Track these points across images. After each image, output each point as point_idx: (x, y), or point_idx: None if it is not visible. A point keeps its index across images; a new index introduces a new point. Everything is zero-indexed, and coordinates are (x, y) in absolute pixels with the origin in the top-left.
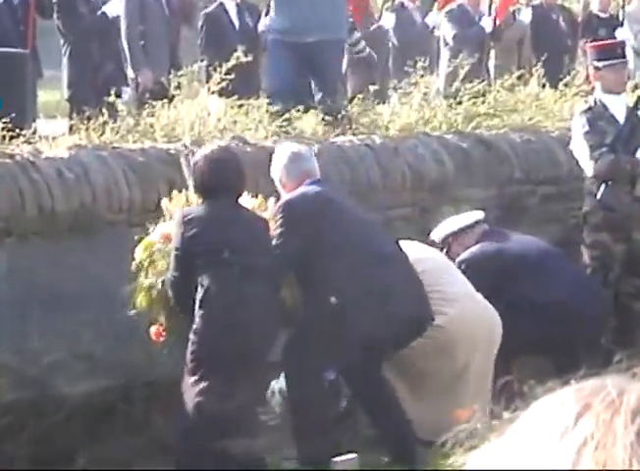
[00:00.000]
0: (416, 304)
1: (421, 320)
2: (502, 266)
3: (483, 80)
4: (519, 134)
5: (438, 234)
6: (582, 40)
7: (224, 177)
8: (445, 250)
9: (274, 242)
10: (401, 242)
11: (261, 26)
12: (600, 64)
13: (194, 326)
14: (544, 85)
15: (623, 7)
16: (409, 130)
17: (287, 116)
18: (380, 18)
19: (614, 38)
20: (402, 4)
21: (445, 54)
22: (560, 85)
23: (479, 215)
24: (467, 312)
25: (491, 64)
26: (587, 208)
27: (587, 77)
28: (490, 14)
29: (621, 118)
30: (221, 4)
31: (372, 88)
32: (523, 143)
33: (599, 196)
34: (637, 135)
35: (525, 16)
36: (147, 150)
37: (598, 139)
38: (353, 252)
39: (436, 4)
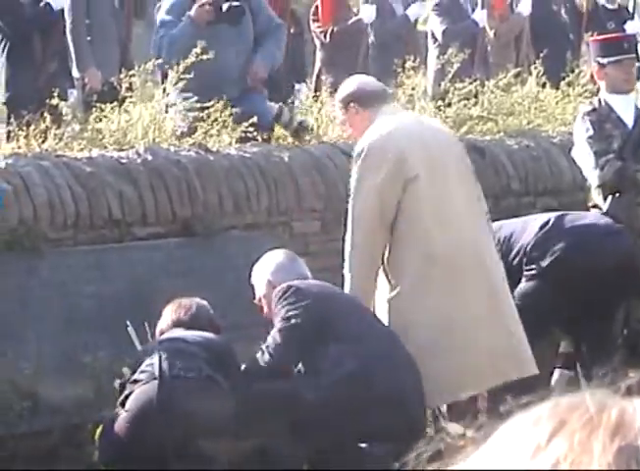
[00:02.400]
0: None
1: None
2: None
3: (475, 80)
4: (516, 140)
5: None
6: (587, 34)
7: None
8: None
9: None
10: None
11: None
12: (604, 60)
13: None
14: (544, 85)
15: None
16: None
17: (252, 120)
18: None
19: (624, 32)
20: None
21: (433, 51)
22: (563, 85)
23: None
24: None
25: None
26: None
27: (592, 75)
28: (483, 6)
29: (630, 121)
30: None
31: None
32: (521, 150)
33: (605, 209)
34: None
35: (524, 7)
36: (95, 159)
37: (604, 145)
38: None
39: None
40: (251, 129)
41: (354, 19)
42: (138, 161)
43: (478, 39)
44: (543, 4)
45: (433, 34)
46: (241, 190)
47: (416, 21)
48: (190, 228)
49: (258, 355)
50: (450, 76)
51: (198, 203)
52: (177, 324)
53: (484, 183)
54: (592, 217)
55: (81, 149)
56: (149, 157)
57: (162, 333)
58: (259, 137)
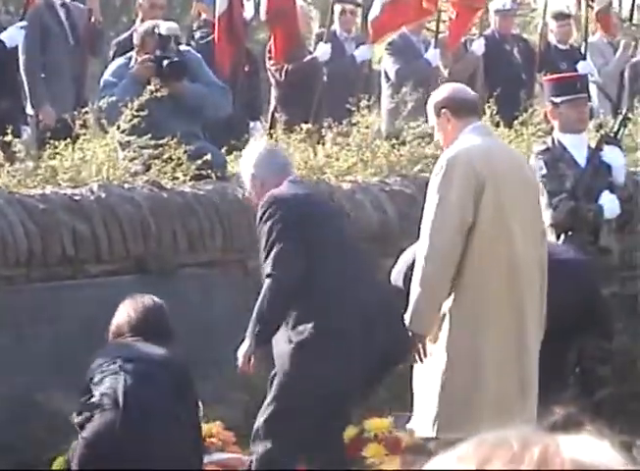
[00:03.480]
0: (389, 339)
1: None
2: None
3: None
4: None
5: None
6: (540, 74)
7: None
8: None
9: (266, 244)
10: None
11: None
12: (558, 99)
13: None
14: (498, 124)
15: (586, 38)
16: (347, 173)
17: (207, 158)
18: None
19: (576, 72)
20: (335, 33)
21: (386, 90)
22: (516, 124)
23: None
24: None
25: None
26: None
27: (546, 114)
28: (436, 45)
29: (582, 160)
30: (136, 31)
31: (305, 127)
32: None
33: None
34: (600, 180)
35: (477, 47)
36: (49, 196)
37: (556, 184)
38: (331, 271)
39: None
40: (205, 166)
41: (309, 57)
42: (92, 198)
43: (431, 79)
44: (496, 44)
45: (386, 74)
46: (196, 228)
47: (371, 60)
48: (144, 265)
49: (268, 283)
50: (404, 115)
51: (152, 241)
52: (134, 326)
53: None
54: (564, 253)
55: (35, 186)
56: (103, 195)
57: (118, 330)
58: (213, 175)
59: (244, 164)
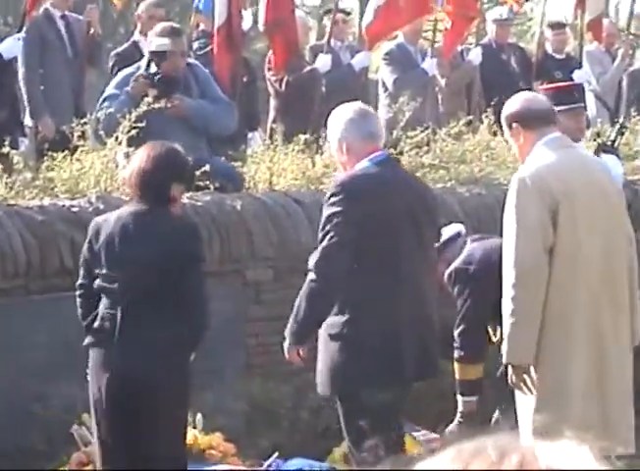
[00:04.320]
0: (417, 360)
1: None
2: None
3: (427, 128)
4: (468, 188)
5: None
6: (536, 83)
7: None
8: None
9: (322, 230)
10: None
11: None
12: (556, 109)
13: None
14: (495, 133)
15: (582, 47)
16: None
17: (205, 169)
18: (315, 58)
19: (572, 81)
20: (329, 43)
21: (384, 100)
22: None
23: (460, 228)
24: None
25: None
26: None
27: None
28: (433, 55)
29: None
30: (134, 43)
31: (304, 138)
32: (473, 198)
33: None
34: None
35: (474, 56)
36: (47, 208)
37: None
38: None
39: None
40: (203, 177)
41: (309, 68)
42: (90, 210)
43: (429, 88)
44: (493, 53)
45: (384, 83)
46: None
47: (367, 69)
48: None
49: (309, 278)
50: (401, 124)
51: None
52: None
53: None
54: None
55: (33, 198)
56: (101, 206)
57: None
58: (211, 186)
59: (332, 126)
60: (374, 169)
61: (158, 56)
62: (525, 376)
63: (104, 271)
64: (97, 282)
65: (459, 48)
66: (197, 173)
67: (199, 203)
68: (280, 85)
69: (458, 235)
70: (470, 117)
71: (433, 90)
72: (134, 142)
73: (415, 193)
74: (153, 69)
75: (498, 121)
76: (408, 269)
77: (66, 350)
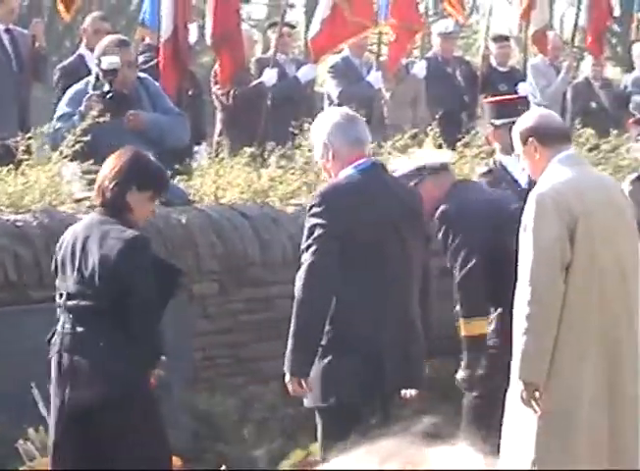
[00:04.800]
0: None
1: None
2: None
3: (372, 141)
4: None
5: (409, 163)
6: (481, 96)
7: None
8: (413, 183)
9: (305, 242)
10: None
11: None
12: (498, 122)
13: None
14: (440, 146)
15: (526, 60)
16: (291, 197)
17: None
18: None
19: (516, 93)
20: (274, 56)
21: None
22: (459, 145)
23: (451, 156)
24: None
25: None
26: None
27: (487, 136)
28: (378, 68)
29: (524, 181)
30: (80, 56)
31: (249, 151)
32: None
33: None
34: None
35: (419, 69)
36: None
37: None
38: (360, 277)
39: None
40: None
41: (255, 81)
42: (35, 224)
43: (374, 101)
44: (438, 66)
45: (329, 96)
46: None
47: (313, 82)
48: None
49: (296, 302)
50: None
51: None
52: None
53: None
54: None
55: None
56: (46, 220)
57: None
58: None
59: (318, 130)
60: (358, 177)
61: (109, 73)
62: (536, 393)
63: (57, 284)
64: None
65: (404, 61)
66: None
67: None
68: (226, 99)
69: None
70: (415, 130)
71: (378, 103)
72: (81, 157)
73: (400, 200)
74: (105, 87)
75: (443, 133)
76: (392, 278)
77: (11, 365)
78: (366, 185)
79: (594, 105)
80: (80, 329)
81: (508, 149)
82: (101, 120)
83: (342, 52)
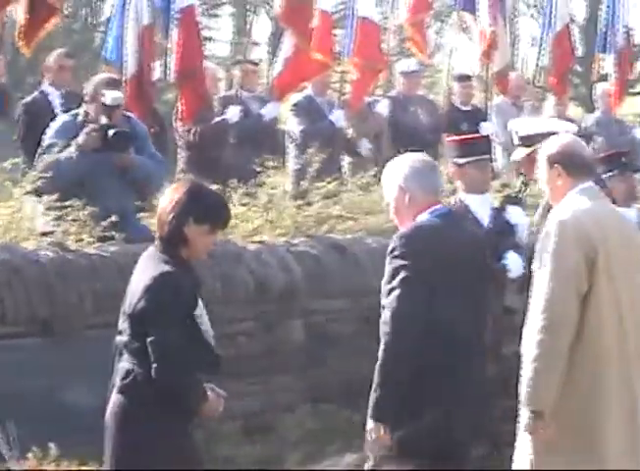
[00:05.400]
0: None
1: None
2: None
3: (335, 179)
4: (376, 239)
5: (533, 127)
6: (444, 135)
7: None
8: (529, 150)
9: (388, 285)
10: None
11: None
12: (461, 160)
13: None
14: None
15: (489, 99)
16: (254, 234)
17: (112, 219)
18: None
19: (478, 132)
20: (237, 93)
21: (292, 151)
22: None
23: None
24: None
25: (345, 161)
26: None
27: (449, 174)
28: (340, 106)
29: (486, 220)
30: (42, 92)
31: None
32: (381, 248)
33: None
34: (504, 239)
35: (382, 108)
36: None
37: None
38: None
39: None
40: (110, 228)
41: (219, 119)
42: None
43: (336, 139)
44: (401, 105)
45: (292, 134)
46: (101, 289)
47: (277, 119)
48: (50, 327)
49: (383, 349)
50: (309, 175)
51: (58, 302)
52: None
53: (345, 282)
54: None
55: None
56: (7, 256)
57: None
58: (118, 236)
59: (392, 173)
60: (437, 221)
61: (110, 109)
62: (541, 422)
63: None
64: None
65: (368, 100)
66: (105, 223)
67: (106, 254)
68: (189, 136)
69: None
70: (378, 168)
71: (341, 141)
72: (45, 190)
73: (477, 244)
74: (102, 120)
75: None
76: (473, 323)
77: None
78: (446, 230)
79: None
80: (119, 365)
81: (472, 188)
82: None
83: (305, 90)
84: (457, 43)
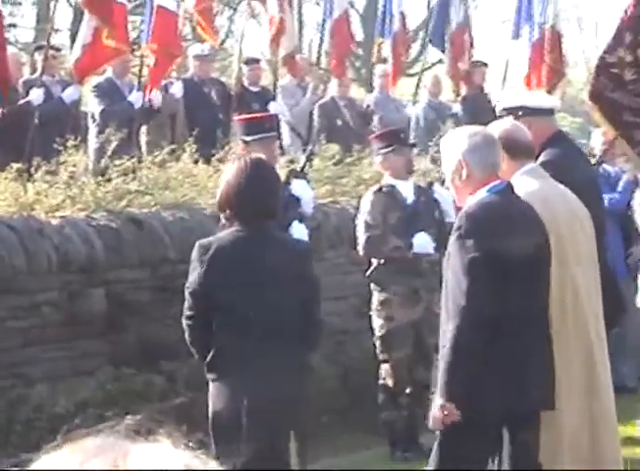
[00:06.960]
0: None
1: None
2: None
3: (133, 157)
4: (172, 212)
5: (511, 100)
6: (235, 114)
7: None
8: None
9: (456, 266)
10: None
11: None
12: (248, 138)
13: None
14: (197, 161)
15: (276, 81)
16: (56, 209)
17: None
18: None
19: (267, 112)
20: (41, 77)
21: (92, 130)
22: (214, 161)
23: (557, 102)
24: None
25: (142, 140)
26: None
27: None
28: (139, 88)
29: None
30: None
31: (16, 166)
32: (176, 222)
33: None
34: (291, 211)
35: (176, 90)
36: None
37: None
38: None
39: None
40: None
41: (23, 101)
42: None
43: (134, 119)
44: (195, 87)
45: (92, 115)
46: None
47: (79, 102)
48: None
49: (453, 330)
50: (109, 153)
51: None
52: None
53: (142, 254)
54: None
55: None
56: None
57: None
58: None
59: (450, 146)
60: (496, 198)
61: None
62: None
63: (226, 300)
64: (214, 312)
65: (163, 82)
66: None
67: None
68: None
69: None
70: (174, 146)
71: (139, 121)
72: None
73: (538, 223)
74: None
75: (199, 149)
76: (540, 301)
77: None
78: (507, 207)
79: (339, 122)
80: (261, 342)
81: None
82: None
83: (105, 73)
84: (247, 29)
